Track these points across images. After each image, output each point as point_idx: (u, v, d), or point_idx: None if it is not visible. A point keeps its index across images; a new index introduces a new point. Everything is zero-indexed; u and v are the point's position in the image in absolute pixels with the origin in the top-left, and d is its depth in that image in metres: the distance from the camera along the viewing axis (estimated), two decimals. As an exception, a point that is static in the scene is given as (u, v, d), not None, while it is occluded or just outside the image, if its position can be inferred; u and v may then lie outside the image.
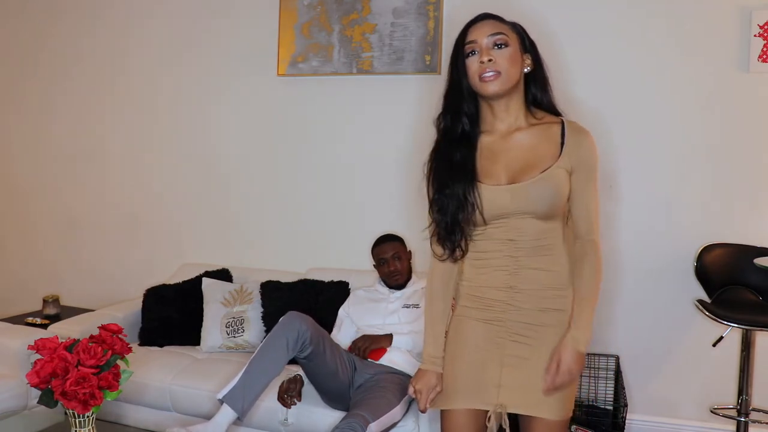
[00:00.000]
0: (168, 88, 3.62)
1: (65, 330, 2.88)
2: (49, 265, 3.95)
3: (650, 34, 2.84)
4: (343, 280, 3.10)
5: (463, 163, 1.60)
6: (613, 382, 2.87)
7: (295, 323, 2.35)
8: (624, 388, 2.77)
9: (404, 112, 3.15)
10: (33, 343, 1.87)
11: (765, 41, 2.68)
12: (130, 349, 1.95)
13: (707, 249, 2.77)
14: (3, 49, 3.98)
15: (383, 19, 3.15)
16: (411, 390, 1.71)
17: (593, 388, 2.87)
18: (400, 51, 3.13)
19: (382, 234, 2.89)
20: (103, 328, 1.94)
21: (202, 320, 3.10)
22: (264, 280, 3.15)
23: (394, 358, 2.61)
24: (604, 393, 2.85)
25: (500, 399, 1.62)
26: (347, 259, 3.27)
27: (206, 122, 3.55)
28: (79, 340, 1.86)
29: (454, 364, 1.68)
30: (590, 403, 2.83)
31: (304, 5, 3.27)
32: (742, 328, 2.52)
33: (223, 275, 3.31)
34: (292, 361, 2.40)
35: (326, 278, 3.12)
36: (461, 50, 1.59)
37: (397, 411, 2.36)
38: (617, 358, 2.90)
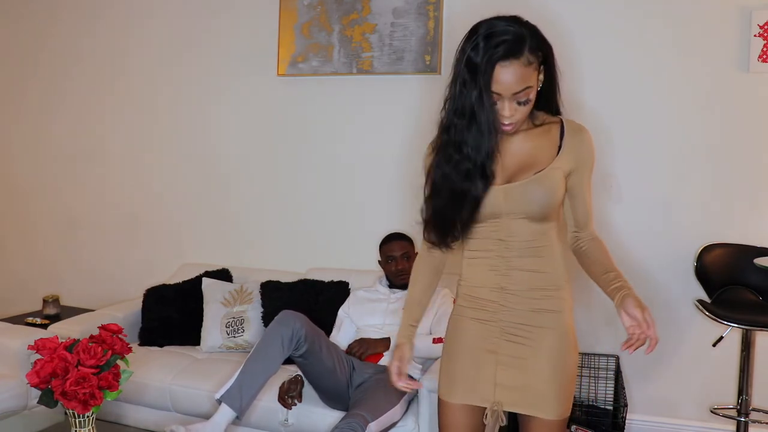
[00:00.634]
0: (168, 88, 3.62)
1: (65, 330, 2.88)
2: (49, 265, 3.95)
3: (650, 35, 2.84)
4: (343, 280, 3.10)
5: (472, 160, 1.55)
6: (613, 382, 2.87)
7: (289, 321, 2.35)
8: (624, 388, 2.77)
9: (404, 112, 3.15)
10: (33, 343, 1.87)
11: (765, 41, 2.68)
12: (130, 349, 1.95)
13: (707, 249, 2.77)
14: (3, 49, 3.98)
15: (383, 19, 3.15)
16: (395, 378, 1.69)
17: (593, 388, 2.87)
18: (400, 51, 3.13)
19: (393, 232, 2.90)
20: (103, 328, 1.94)
21: (202, 320, 3.10)
22: (264, 280, 3.15)
23: (393, 359, 2.61)
24: (604, 393, 2.85)
25: (497, 397, 1.62)
26: (347, 259, 3.27)
27: (206, 122, 3.55)
28: (79, 340, 1.86)
29: (452, 361, 1.69)
30: (590, 403, 2.83)
31: (304, 5, 3.27)
32: (742, 328, 2.52)
33: (223, 275, 3.31)
34: (290, 361, 2.40)
35: (326, 278, 3.12)
36: (487, 78, 1.45)
37: (397, 410, 2.36)
38: (617, 358, 2.90)
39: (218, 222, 3.57)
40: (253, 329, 3.01)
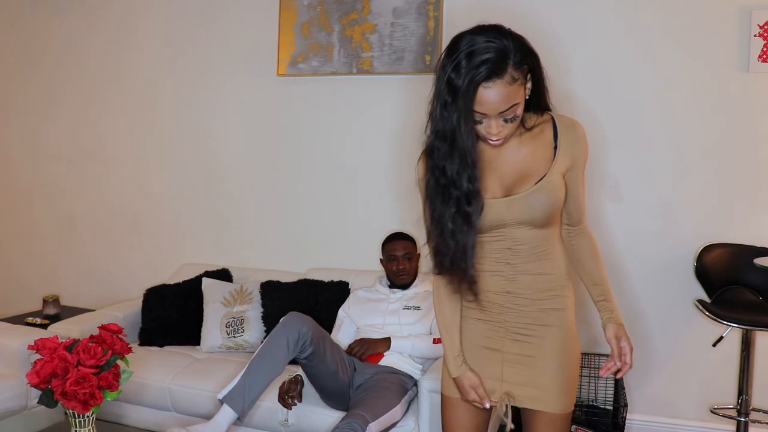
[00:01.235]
0: (168, 88, 3.62)
1: (65, 330, 2.88)
2: (49, 265, 3.95)
3: (650, 35, 2.84)
4: (343, 280, 3.10)
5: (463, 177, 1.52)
6: (613, 382, 2.87)
7: (295, 324, 2.35)
8: (624, 388, 2.77)
9: (404, 112, 3.15)
10: (33, 343, 1.87)
11: (765, 41, 2.68)
12: (130, 349, 1.95)
13: (707, 249, 2.77)
14: (3, 49, 3.98)
15: (383, 19, 3.15)
16: (472, 398, 1.65)
17: (593, 388, 2.87)
18: (400, 51, 3.13)
19: (396, 231, 2.91)
20: (103, 328, 1.94)
21: (202, 320, 3.10)
22: (264, 280, 3.15)
23: (393, 360, 2.61)
24: (604, 393, 2.85)
25: (504, 392, 1.64)
26: (347, 259, 3.27)
27: (206, 122, 3.55)
28: (79, 340, 1.86)
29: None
30: (590, 403, 2.83)
31: (304, 5, 3.27)
32: (742, 328, 2.52)
33: (223, 275, 3.32)
34: (293, 362, 2.40)
35: (326, 278, 3.12)
36: (468, 102, 1.40)
37: (397, 411, 2.36)
38: (617, 358, 2.90)
39: (218, 222, 3.57)
40: (253, 329, 3.01)
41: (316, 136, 3.36)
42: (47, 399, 1.82)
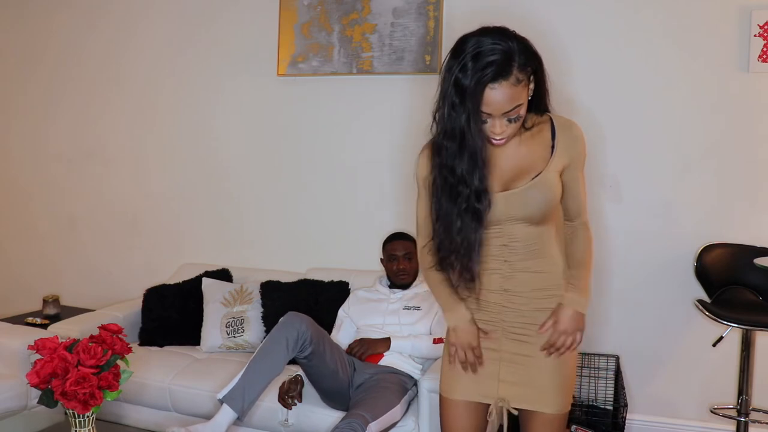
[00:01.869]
0: (168, 88, 3.62)
1: (65, 330, 2.88)
2: (49, 265, 3.95)
3: (650, 35, 2.84)
4: (343, 280, 3.10)
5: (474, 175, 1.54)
6: (613, 382, 2.87)
7: (295, 323, 2.35)
8: (624, 388, 2.77)
9: (404, 112, 3.14)
10: (33, 343, 1.87)
11: (765, 41, 2.68)
12: (130, 349, 1.95)
13: (707, 249, 2.77)
14: (3, 49, 3.98)
15: (383, 19, 3.15)
16: (455, 357, 1.68)
17: (593, 388, 2.87)
18: (400, 51, 3.13)
19: (397, 231, 2.91)
20: (103, 328, 1.94)
21: (202, 320, 3.10)
22: (264, 280, 3.15)
23: (393, 360, 2.61)
24: (604, 393, 2.85)
25: (501, 393, 1.65)
26: (347, 259, 3.27)
27: (206, 122, 3.55)
28: (79, 340, 1.86)
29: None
30: (590, 403, 2.83)
31: (304, 5, 3.27)
32: (742, 328, 2.52)
33: (223, 275, 3.32)
34: (292, 361, 2.40)
35: (326, 278, 3.12)
36: (476, 103, 1.43)
37: (397, 411, 2.36)
38: (617, 358, 2.90)
39: (218, 222, 3.57)
40: (253, 329, 3.01)
41: (316, 136, 3.35)
42: (47, 399, 1.82)
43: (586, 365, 2.88)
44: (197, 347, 3.08)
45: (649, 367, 2.93)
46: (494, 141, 1.50)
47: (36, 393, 2.58)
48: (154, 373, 2.77)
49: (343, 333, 2.81)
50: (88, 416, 1.86)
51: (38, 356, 1.84)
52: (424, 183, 1.63)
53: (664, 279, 2.89)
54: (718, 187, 2.81)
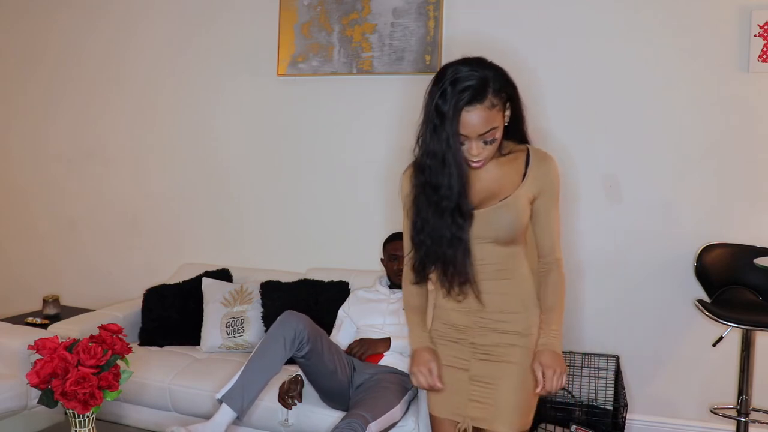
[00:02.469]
0: (168, 88, 3.62)
1: (65, 330, 2.88)
2: (49, 265, 3.95)
3: (650, 35, 2.84)
4: (343, 280, 3.10)
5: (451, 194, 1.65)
6: (613, 382, 2.87)
7: (292, 322, 2.35)
8: (624, 388, 2.77)
9: (404, 112, 3.14)
10: (33, 343, 1.87)
11: (765, 41, 2.68)
12: (130, 349, 1.95)
13: (707, 249, 2.77)
14: (3, 49, 3.98)
15: (383, 19, 3.15)
16: (414, 381, 1.77)
17: (593, 388, 2.87)
18: (400, 51, 3.13)
19: (397, 231, 2.90)
20: (103, 328, 1.94)
21: (202, 320, 3.10)
22: (264, 280, 3.15)
23: (393, 360, 2.61)
24: (604, 393, 2.85)
25: (469, 412, 1.73)
26: (347, 259, 3.27)
27: (206, 122, 3.55)
28: (79, 340, 1.86)
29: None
30: (590, 403, 2.83)
31: (304, 5, 3.27)
32: (742, 328, 2.52)
33: (223, 275, 3.32)
34: (291, 361, 2.40)
35: (326, 278, 3.12)
36: (455, 125, 1.54)
37: (397, 411, 2.36)
38: (617, 358, 2.90)
39: (218, 222, 3.57)
40: (253, 329, 3.01)
41: (316, 136, 3.35)
42: (47, 399, 1.82)
43: (586, 365, 2.88)
44: (197, 347, 3.08)
45: (649, 367, 2.93)
46: (472, 163, 1.61)
47: (36, 393, 2.58)
48: (154, 373, 2.77)
49: (343, 333, 2.80)
50: (88, 416, 1.86)
51: (38, 356, 1.84)
52: (407, 201, 1.74)
53: (664, 279, 2.89)
54: (718, 187, 2.81)
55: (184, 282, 3.26)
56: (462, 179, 1.60)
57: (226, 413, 2.23)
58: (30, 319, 3.33)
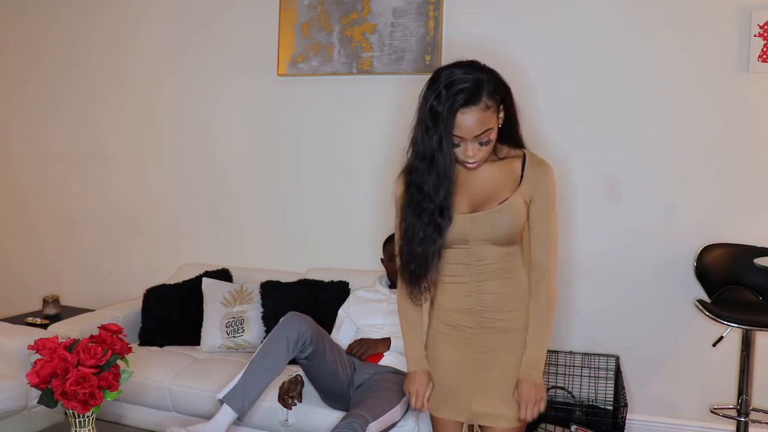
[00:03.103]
0: (168, 88, 3.62)
1: (65, 330, 2.88)
2: (49, 265, 3.95)
3: (650, 34, 2.84)
4: (343, 280, 3.10)
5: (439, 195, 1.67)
6: (613, 382, 2.87)
7: (295, 323, 2.34)
8: (624, 388, 2.77)
9: (404, 112, 3.13)
10: (33, 343, 1.87)
11: (765, 41, 2.68)
12: (130, 349, 1.95)
13: (707, 249, 2.77)
14: (3, 49, 3.98)
15: (383, 19, 3.15)
16: (407, 394, 1.82)
17: (593, 388, 2.87)
18: (400, 51, 3.13)
19: None
20: (103, 328, 1.94)
21: (202, 320, 3.10)
22: (264, 280, 3.15)
23: (393, 360, 2.61)
24: (604, 393, 2.85)
25: (474, 410, 1.76)
26: (347, 259, 3.27)
27: (206, 122, 3.55)
28: (79, 340, 1.86)
29: (436, 381, 1.82)
30: (590, 403, 2.83)
31: (304, 5, 3.27)
32: (742, 328, 2.52)
33: (223, 275, 3.31)
34: (292, 361, 2.40)
35: (326, 278, 3.12)
36: (449, 127, 1.57)
37: (397, 411, 2.36)
38: (617, 358, 2.90)
39: (218, 222, 3.57)
40: (253, 329, 3.01)
41: (316, 136, 3.35)
42: (47, 399, 1.82)
43: (586, 365, 2.88)
44: (197, 347, 3.08)
45: (649, 367, 2.93)
46: (468, 164, 1.63)
47: (36, 393, 2.58)
48: (154, 373, 2.77)
49: (343, 333, 2.80)
50: (88, 416, 1.86)
51: (38, 356, 1.84)
52: (399, 204, 1.76)
53: (664, 279, 2.89)
54: (718, 187, 2.81)
55: (184, 282, 3.26)
56: (448, 181, 1.63)
57: (226, 413, 2.23)
58: (30, 319, 3.33)
